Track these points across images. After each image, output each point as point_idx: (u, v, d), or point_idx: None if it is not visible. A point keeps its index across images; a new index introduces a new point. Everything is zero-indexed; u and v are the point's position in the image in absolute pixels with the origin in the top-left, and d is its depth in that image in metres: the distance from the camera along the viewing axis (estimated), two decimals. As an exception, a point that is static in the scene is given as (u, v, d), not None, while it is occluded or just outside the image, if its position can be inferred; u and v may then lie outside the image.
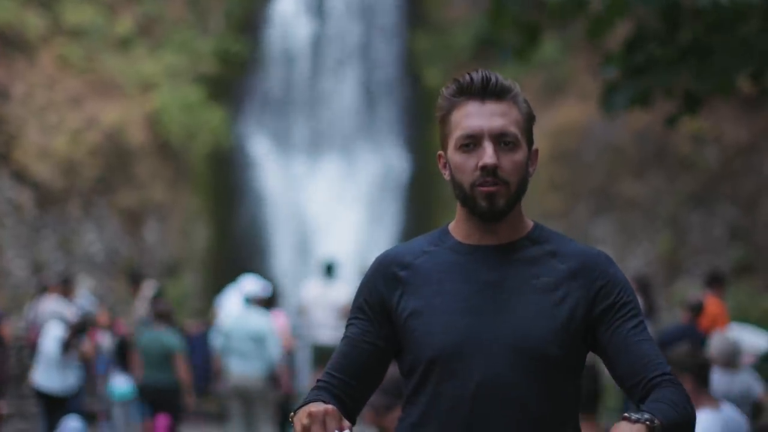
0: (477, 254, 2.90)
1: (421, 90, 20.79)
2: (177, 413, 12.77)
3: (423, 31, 20.96)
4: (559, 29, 17.48)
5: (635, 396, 2.83)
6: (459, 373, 2.83)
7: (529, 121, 2.93)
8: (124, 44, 20.14)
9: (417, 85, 20.84)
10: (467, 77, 2.89)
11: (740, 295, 16.76)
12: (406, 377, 2.94)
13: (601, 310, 2.86)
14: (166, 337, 12.49)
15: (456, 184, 2.90)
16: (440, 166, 2.96)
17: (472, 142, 2.85)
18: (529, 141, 2.93)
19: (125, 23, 20.21)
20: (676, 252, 18.61)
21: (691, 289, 15.91)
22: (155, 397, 12.45)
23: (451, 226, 2.99)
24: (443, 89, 2.94)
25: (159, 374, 12.35)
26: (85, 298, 15.52)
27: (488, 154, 2.83)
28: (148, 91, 19.80)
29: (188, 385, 12.65)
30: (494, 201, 2.85)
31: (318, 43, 21.23)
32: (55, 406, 12.23)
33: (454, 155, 2.89)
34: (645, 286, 13.71)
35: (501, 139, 2.85)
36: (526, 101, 2.94)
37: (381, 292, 2.94)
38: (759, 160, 18.75)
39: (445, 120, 2.92)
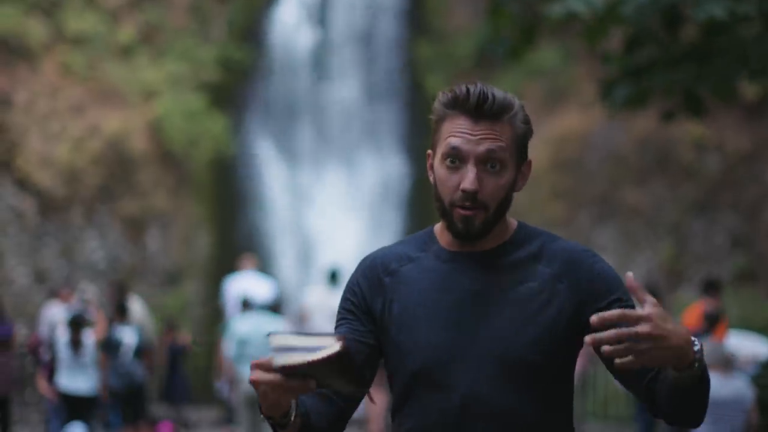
0: (460, 262, 2.87)
1: (422, 98, 20.80)
2: None
3: (425, 40, 20.99)
4: (560, 37, 17.50)
5: (643, 379, 2.77)
6: (444, 386, 2.80)
7: (523, 139, 2.86)
8: (126, 52, 20.16)
9: (419, 93, 20.85)
10: (464, 91, 2.82)
11: (742, 303, 16.76)
12: (392, 386, 2.91)
13: (594, 309, 2.78)
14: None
15: (436, 195, 2.86)
16: (428, 164, 2.92)
17: (457, 160, 2.80)
18: (521, 158, 2.87)
19: (127, 31, 20.24)
20: (678, 260, 18.61)
21: (693, 297, 15.91)
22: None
23: (437, 229, 2.95)
24: (440, 93, 2.88)
25: None
26: (79, 302, 15.51)
27: (469, 179, 2.78)
28: (150, 99, 19.83)
29: None
30: (470, 225, 2.81)
31: (320, 51, 21.25)
32: (79, 407, 12.27)
33: (438, 166, 2.85)
34: (654, 293, 13.69)
35: (487, 162, 2.80)
36: (524, 118, 2.86)
37: (365, 296, 2.91)
38: (761, 168, 18.76)
39: (437, 125, 2.87)
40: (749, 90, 14.95)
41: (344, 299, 2.96)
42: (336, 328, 2.95)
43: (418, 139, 20.59)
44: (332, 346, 2.48)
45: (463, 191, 2.78)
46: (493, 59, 18.33)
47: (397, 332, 2.86)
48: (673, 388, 2.67)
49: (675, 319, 12.17)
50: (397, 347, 2.86)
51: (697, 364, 2.60)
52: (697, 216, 18.77)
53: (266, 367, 2.55)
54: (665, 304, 13.97)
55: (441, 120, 2.86)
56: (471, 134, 2.80)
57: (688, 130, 17.73)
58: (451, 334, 2.80)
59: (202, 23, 20.91)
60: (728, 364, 9.30)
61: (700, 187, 18.82)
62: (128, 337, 13.26)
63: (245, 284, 15.27)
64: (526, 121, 2.87)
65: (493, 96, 2.80)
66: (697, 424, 2.77)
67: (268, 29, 21.43)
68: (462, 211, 2.80)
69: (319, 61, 21.21)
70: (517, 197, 3.00)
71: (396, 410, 2.90)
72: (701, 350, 2.62)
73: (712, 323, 11.62)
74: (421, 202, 19.83)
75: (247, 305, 12.86)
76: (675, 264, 18.63)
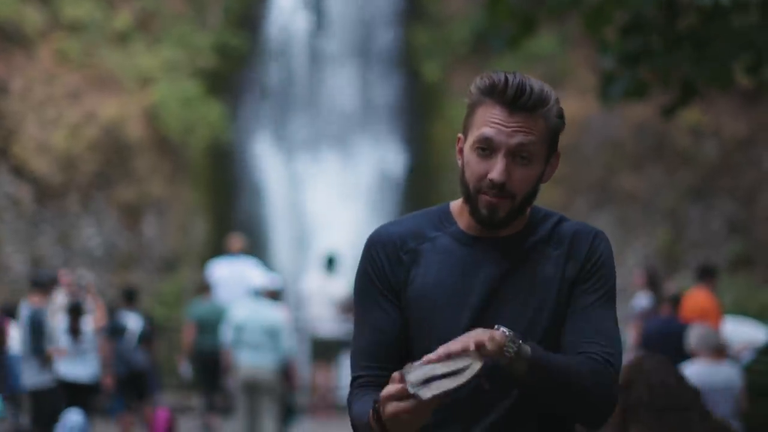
0: (478, 247, 2.86)
1: (419, 84, 20.78)
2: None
3: (421, 26, 20.96)
4: (558, 23, 17.48)
5: None
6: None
7: (555, 132, 2.87)
8: (122, 39, 20.13)
9: (415, 79, 20.83)
10: (502, 80, 2.79)
11: (738, 288, 16.79)
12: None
13: (580, 291, 2.84)
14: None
15: (463, 180, 2.85)
16: (457, 148, 2.90)
17: (488, 149, 2.80)
18: (552, 150, 2.88)
19: (123, 18, 20.20)
20: (675, 246, 18.62)
21: (690, 283, 15.94)
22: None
23: (455, 208, 2.94)
24: (477, 78, 2.85)
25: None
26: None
27: (498, 170, 2.78)
28: (146, 85, 19.80)
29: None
30: (495, 212, 2.81)
31: (316, 38, 21.23)
32: (78, 394, 12.26)
33: (469, 152, 2.84)
34: (653, 278, 13.69)
35: (518, 153, 2.80)
36: (559, 111, 2.86)
37: (385, 271, 2.89)
38: (757, 153, 18.77)
39: (470, 111, 2.85)
40: (745, 76, 14.94)
41: (366, 280, 2.92)
42: (365, 313, 2.90)
43: (414, 125, 20.57)
44: (473, 365, 2.56)
45: (491, 181, 2.78)
46: (490, 45, 18.32)
47: (412, 312, 2.86)
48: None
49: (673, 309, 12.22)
50: (411, 328, 2.86)
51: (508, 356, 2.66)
52: (694, 202, 18.78)
53: (400, 397, 2.57)
54: (663, 291, 14.00)
55: (475, 105, 2.84)
56: (505, 125, 2.79)
57: (685, 116, 17.72)
58: (471, 317, 2.80)
59: (198, 10, 20.87)
60: (720, 350, 9.32)
61: (696, 173, 18.83)
62: (133, 323, 13.26)
63: (233, 269, 15.29)
64: (560, 115, 2.87)
65: (531, 89, 2.79)
66: (588, 423, 2.80)
67: (264, 16, 21.40)
68: (488, 198, 2.80)
69: (316, 47, 21.18)
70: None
71: None
72: (513, 340, 2.65)
73: (674, 304, 11.67)
74: (418, 188, 19.83)
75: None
76: (672, 250, 18.64)
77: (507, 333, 2.65)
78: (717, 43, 8.79)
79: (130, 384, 13.07)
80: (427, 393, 2.52)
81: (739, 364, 10.86)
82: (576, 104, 18.99)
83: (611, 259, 2.90)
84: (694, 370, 9.17)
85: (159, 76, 19.88)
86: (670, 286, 12.51)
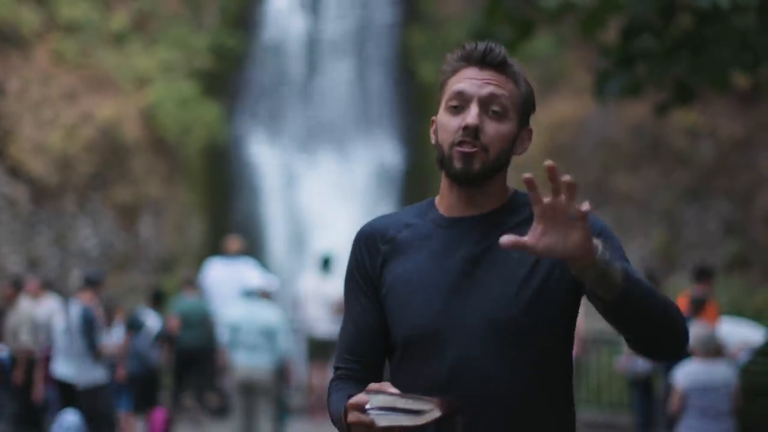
0: (457, 228, 2.88)
1: (415, 85, 20.79)
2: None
3: (418, 27, 20.97)
4: (554, 24, 17.48)
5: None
6: (435, 354, 2.81)
7: (525, 101, 2.92)
8: (118, 39, 20.13)
9: (412, 80, 20.84)
10: (472, 44, 2.92)
11: (734, 289, 16.79)
12: (390, 352, 2.94)
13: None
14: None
15: (438, 146, 2.90)
16: (431, 131, 2.97)
17: (460, 104, 2.87)
18: (522, 120, 2.92)
19: (120, 18, 20.21)
20: (671, 246, 18.63)
21: (686, 284, 15.95)
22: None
23: (437, 199, 2.98)
24: (449, 54, 2.96)
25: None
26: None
27: (472, 114, 2.83)
28: (142, 86, 19.80)
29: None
30: (469, 163, 2.83)
31: (313, 38, 21.23)
32: (75, 395, 12.24)
33: (442, 116, 2.91)
34: (651, 279, 13.71)
35: (489, 107, 2.86)
36: (528, 84, 2.94)
37: (365, 265, 2.94)
38: (754, 154, 18.77)
39: (443, 85, 2.95)
40: (742, 77, 14.98)
41: (350, 274, 2.98)
42: (347, 306, 2.97)
43: (411, 125, 20.58)
44: (433, 411, 2.61)
45: (465, 127, 2.83)
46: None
47: (391, 298, 2.89)
48: (601, 308, 2.68)
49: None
50: (392, 314, 2.89)
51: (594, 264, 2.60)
52: (690, 203, 18.79)
53: (362, 409, 2.64)
54: (661, 290, 14.01)
55: (448, 76, 2.94)
56: (476, 79, 2.88)
57: (681, 117, 17.74)
58: (444, 301, 2.81)
59: (194, 10, 20.87)
60: (717, 350, 9.35)
61: (693, 174, 18.84)
62: (152, 321, 13.27)
63: (230, 270, 15.32)
64: (530, 87, 2.95)
65: (500, 49, 2.91)
66: (668, 354, 2.76)
67: (260, 16, 21.41)
68: (462, 149, 2.84)
69: (312, 47, 21.19)
70: (511, 183, 2.99)
71: (391, 375, 2.94)
72: (603, 251, 2.61)
73: (697, 308, 11.68)
74: (415, 188, 19.83)
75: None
76: (668, 251, 18.65)
77: (600, 246, 2.62)
78: (715, 46, 8.80)
79: (142, 383, 13.03)
80: (381, 420, 2.62)
81: (736, 364, 10.88)
82: (572, 105, 19.01)
83: (610, 229, 2.90)
84: (691, 369, 9.21)
85: (155, 76, 19.88)
86: (695, 290, 12.45)
